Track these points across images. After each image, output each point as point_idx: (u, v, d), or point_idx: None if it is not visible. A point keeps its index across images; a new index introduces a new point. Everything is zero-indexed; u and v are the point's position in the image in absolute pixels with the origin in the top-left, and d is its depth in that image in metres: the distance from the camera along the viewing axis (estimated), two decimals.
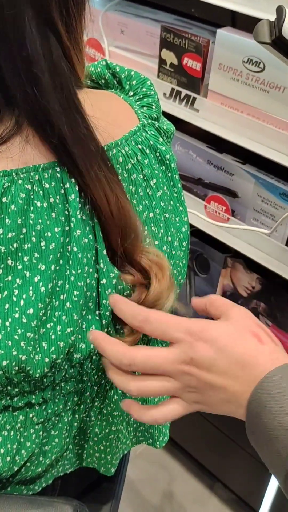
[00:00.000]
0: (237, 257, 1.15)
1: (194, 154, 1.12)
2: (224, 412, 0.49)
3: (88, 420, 0.67)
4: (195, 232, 1.15)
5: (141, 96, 0.62)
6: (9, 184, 0.48)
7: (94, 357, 0.59)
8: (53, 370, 0.55)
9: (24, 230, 0.49)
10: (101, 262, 0.54)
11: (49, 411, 0.60)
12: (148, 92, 0.63)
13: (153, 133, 0.60)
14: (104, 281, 0.54)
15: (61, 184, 0.51)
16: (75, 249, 0.51)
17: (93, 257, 0.54)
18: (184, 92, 1.05)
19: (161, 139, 0.61)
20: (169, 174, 0.62)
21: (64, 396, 0.61)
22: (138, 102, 0.62)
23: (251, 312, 0.52)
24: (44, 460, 0.65)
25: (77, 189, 0.51)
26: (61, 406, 0.61)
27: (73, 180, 0.51)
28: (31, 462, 0.63)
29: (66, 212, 0.51)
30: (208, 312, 0.53)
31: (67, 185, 0.51)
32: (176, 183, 0.63)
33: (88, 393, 0.64)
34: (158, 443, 0.77)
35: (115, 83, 0.64)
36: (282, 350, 0.48)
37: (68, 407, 0.63)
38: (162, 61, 1.07)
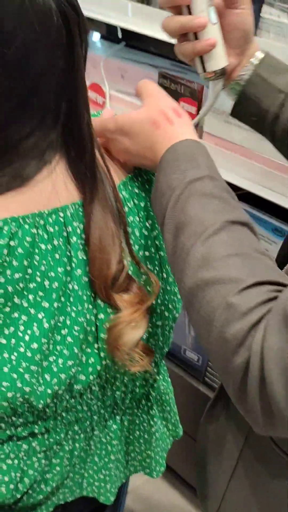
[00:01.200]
0: None
1: None
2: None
3: (88, 449, 0.70)
4: None
5: None
6: (17, 229, 0.52)
7: (93, 387, 0.62)
8: (55, 401, 0.58)
9: (29, 270, 0.53)
10: (99, 299, 0.58)
11: (51, 440, 0.63)
12: None
13: (150, 177, 0.65)
14: (102, 315, 0.58)
15: (64, 227, 0.55)
16: (76, 287, 0.55)
17: (92, 294, 0.57)
18: None
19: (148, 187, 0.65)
20: None
21: (65, 426, 0.64)
22: None
23: (164, 93, 0.61)
24: (45, 488, 0.67)
25: (78, 232, 0.55)
26: (62, 435, 0.64)
27: (75, 224, 0.55)
28: (33, 490, 0.66)
29: (68, 253, 0.55)
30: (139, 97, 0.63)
31: (69, 229, 0.55)
32: None
33: (88, 422, 0.66)
34: (154, 473, 0.79)
35: None
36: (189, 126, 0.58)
37: (69, 436, 0.65)
38: None
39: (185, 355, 1.40)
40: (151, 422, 0.75)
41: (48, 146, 0.54)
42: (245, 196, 1.09)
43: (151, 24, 1.02)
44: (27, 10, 0.46)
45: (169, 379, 0.82)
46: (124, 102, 1.22)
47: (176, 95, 1.08)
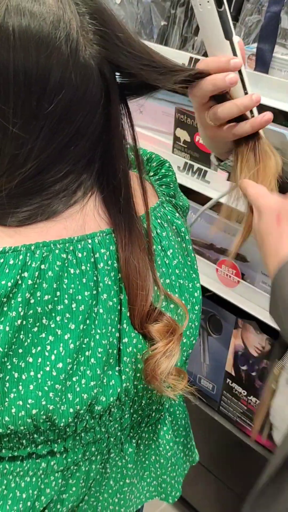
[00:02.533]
0: (248, 319, 1.20)
1: (206, 222, 1.21)
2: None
3: (104, 472, 0.70)
4: (209, 294, 1.22)
5: (160, 176, 0.71)
6: (48, 253, 0.55)
7: (112, 409, 0.64)
8: (76, 420, 0.60)
9: (58, 293, 0.55)
10: (124, 323, 0.60)
11: (69, 459, 0.64)
12: (167, 173, 0.72)
13: (170, 209, 0.68)
14: (126, 340, 0.60)
15: (92, 254, 0.58)
16: (101, 311, 0.58)
17: (116, 318, 0.60)
18: (196, 165, 1.14)
19: (177, 214, 0.68)
20: (184, 245, 0.69)
21: (83, 446, 0.65)
22: (158, 182, 0.70)
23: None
24: (61, 508, 0.68)
25: (105, 258, 0.58)
26: (80, 456, 0.65)
27: (102, 250, 0.58)
28: (49, 509, 0.67)
29: (95, 278, 0.58)
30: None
31: (97, 255, 0.58)
32: (190, 253, 0.70)
33: (105, 444, 0.67)
34: (170, 498, 0.80)
35: (140, 163, 0.73)
36: None
37: (86, 457, 0.66)
38: (176, 138, 1.18)
39: (200, 384, 1.40)
40: (167, 447, 0.76)
41: (79, 187, 0.58)
42: None
43: None
44: (72, 66, 0.50)
45: (185, 405, 0.83)
46: (143, 136, 1.27)
47: (193, 130, 1.13)
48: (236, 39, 0.59)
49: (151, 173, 0.72)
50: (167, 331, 0.61)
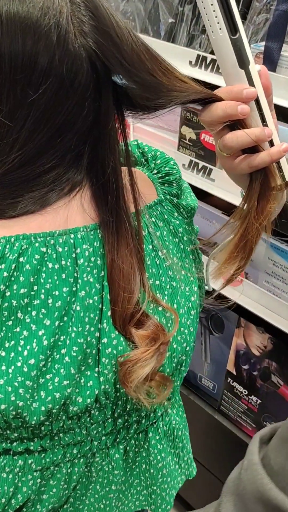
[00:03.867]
0: (250, 317, 1.20)
1: (211, 220, 1.21)
2: None
3: (89, 475, 0.68)
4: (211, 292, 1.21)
5: (163, 175, 0.69)
6: (27, 246, 0.54)
7: (92, 411, 0.61)
8: (50, 420, 0.58)
9: (35, 287, 0.54)
10: (104, 322, 0.58)
11: (48, 460, 0.63)
12: (171, 171, 0.69)
13: (169, 208, 0.66)
14: (105, 340, 0.58)
15: (73, 249, 0.56)
16: (78, 308, 0.56)
17: (97, 317, 0.58)
18: (201, 163, 1.14)
19: (176, 214, 0.66)
20: (182, 246, 0.66)
21: (64, 447, 0.63)
22: (160, 180, 0.68)
23: None
24: (40, 509, 0.66)
25: (87, 254, 0.56)
26: (59, 457, 0.64)
27: (84, 246, 0.56)
28: (27, 508, 0.65)
29: (75, 274, 0.56)
30: None
31: (78, 250, 0.56)
32: (188, 255, 0.67)
33: (88, 447, 0.65)
34: (160, 510, 0.77)
35: (143, 161, 0.72)
36: None
37: (67, 459, 0.64)
38: (182, 136, 1.18)
39: (201, 383, 1.40)
40: (159, 457, 0.73)
41: (68, 181, 0.56)
42: None
43: (175, 61, 1.06)
44: (60, 54, 0.49)
45: (185, 416, 0.80)
46: (147, 133, 1.27)
47: (199, 127, 1.13)
48: (255, 67, 0.56)
49: (155, 171, 0.70)
50: (151, 338, 0.58)
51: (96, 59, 0.51)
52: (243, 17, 1.07)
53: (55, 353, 0.56)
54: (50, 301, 0.55)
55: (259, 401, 1.25)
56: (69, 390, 0.57)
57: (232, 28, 0.53)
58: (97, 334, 0.58)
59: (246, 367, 1.25)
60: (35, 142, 0.52)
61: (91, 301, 0.57)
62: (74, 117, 0.52)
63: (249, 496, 0.44)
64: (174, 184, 0.69)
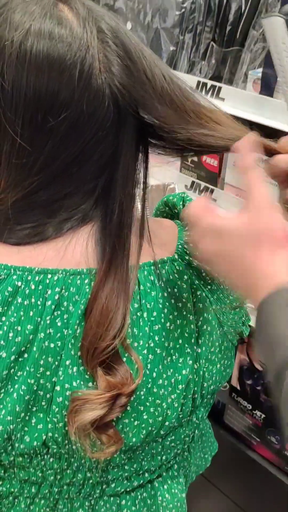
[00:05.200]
0: (253, 333, 1.22)
1: None
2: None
3: None
4: None
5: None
6: (5, 276, 0.54)
7: (46, 456, 0.59)
8: None
9: (3, 318, 0.55)
10: (60, 370, 0.56)
11: (4, 489, 0.63)
12: None
13: (179, 268, 0.61)
14: (58, 388, 0.56)
15: (47, 289, 0.55)
16: (34, 348, 0.55)
17: (56, 362, 0.56)
18: (203, 184, 1.18)
19: (186, 277, 0.61)
20: (184, 313, 0.61)
21: (20, 482, 0.62)
22: (187, 238, 0.63)
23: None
24: None
25: (56, 297, 0.55)
26: (16, 490, 0.63)
27: (56, 289, 0.55)
28: None
29: (42, 314, 0.55)
30: None
31: (49, 292, 0.55)
32: (190, 323, 0.61)
33: (47, 490, 0.63)
34: None
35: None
36: None
37: (25, 495, 0.63)
38: (184, 157, 1.22)
39: None
40: None
41: (80, 212, 0.57)
42: None
43: None
44: (82, 88, 0.51)
45: (183, 496, 0.71)
46: (151, 155, 1.31)
47: None
48: None
49: (186, 228, 0.65)
50: (115, 384, 0.55)
51: (118, 96, 0.53)
52: (241, 45, 1.12)
53: (9, 386, 0.56)
54: (11, 334, 0.55)
55: (263, 415, 1.27)
56: (11, 426, 0.56)
57: None
58: (54, 379, 0.56)
59: (249, 382, 1.28)
60: (53, 169, 0.53)
61: (52, 345, 0.56)
62: (92, 148, 0.54)
63: None
64: None
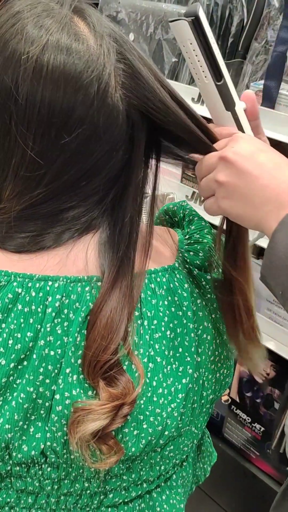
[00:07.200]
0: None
1: None
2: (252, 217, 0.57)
3: None
4: None
5: (192, 242, 0.65)
6: (5, 283, 0.54)
7: (44, 466, 0.59)
8: None
9: (3, 325, 0.54)
10: (60, 378, 0.55)
11: (0, 499, 0.62)
12: (200, 239, 0.65)
13: (180, 277, 0.61)
14: (57, 396, 0.55)
15: (47, 296, 0.55)
16: (34, 356, 0.55)
17: (56, 370, 0.55)
18: None
19: (186, 285, 0.61)
20: (184, 321, 0.60)
21: (17, 492, 0.62)
22: (187, 246, 0.64)
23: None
24: None
25: (57, 305, 0.55)
26: (12, 499, 0.62)
27: (57, 296, 0.55)
28: None
29: (42, 322, 0.55)
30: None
31: (50, 299, 0.55)
32: (190, 332, 0.60)
33: (44, 500, 0.62)
34: None
35: (183, 224, 0.69)
36: None
37: (22, 505, 0.63)
38: (185, 169, 1.22)
39: None
40: None
41: (85, 222, 0.57)
42: (263, 253, 1.14)
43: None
44: (97, 105, 0.51)
45: (181, 506, 0.70)
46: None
47: None
48: (241, 106, 0.59)
49: (187, 236, 0.66)
50: (116, 395, 0.55)
51: (132, 114, 0.53)
52: (243, 57, 1.13)
53: (7, 394, 0.55)
54: (10, 342, 0.54)
55: (262, 428, 1.26)
56: (9, 435, 0.55)
57: (217, 75, 0.56)
58: (54, 388, 0.56)
59: (249, 394, 1.27)
60: (61, 182, 0.54)
61: (52, 352, 0.55)
62: (102, 164, 0.54)
63: None
64: (200, 254, 0.64)
